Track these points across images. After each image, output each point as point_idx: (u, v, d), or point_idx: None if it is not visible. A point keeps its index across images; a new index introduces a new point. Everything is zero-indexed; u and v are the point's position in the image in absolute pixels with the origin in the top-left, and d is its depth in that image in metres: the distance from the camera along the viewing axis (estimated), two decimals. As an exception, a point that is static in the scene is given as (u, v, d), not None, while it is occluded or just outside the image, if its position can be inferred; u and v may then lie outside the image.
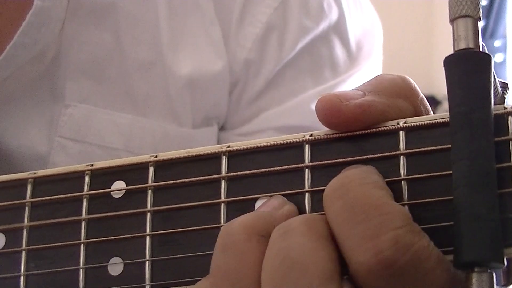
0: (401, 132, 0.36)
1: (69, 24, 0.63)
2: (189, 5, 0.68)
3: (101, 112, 0.65)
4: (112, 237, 0.40)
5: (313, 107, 0.59)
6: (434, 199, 0.34)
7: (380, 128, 0.36)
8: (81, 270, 0.40)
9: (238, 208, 0.38)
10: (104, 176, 0.41)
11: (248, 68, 0.69)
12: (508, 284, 0.36)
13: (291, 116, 0.69)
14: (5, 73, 0.60)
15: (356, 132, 0.36)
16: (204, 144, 0.67)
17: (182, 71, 0.66)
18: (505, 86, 0.36)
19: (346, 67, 0.73)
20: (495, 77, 0.35)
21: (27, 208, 0.42)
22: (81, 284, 0.40)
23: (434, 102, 3.15)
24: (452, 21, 0.34)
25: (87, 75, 0.64)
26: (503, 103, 0.37)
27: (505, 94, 0.36)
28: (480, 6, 0.33)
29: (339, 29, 0.72)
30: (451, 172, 0.33)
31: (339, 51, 0.72)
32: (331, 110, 0.36)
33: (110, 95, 0.65)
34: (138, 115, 0.66)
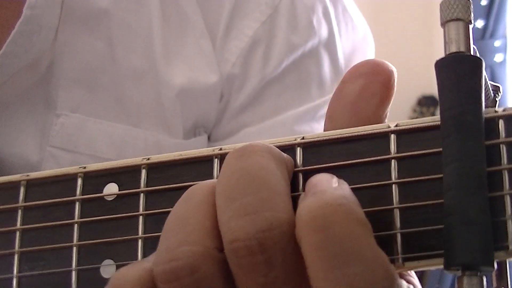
0: (392, 135, 0.35)
1: (62, 32, 0.63)
2: (180, 16, 0.67)
3: (93, 122, 0.64)
4: (104, 240, 0.40)
5: (296, 127, 0.59)
6: (425, 203, 0.34)
7: (372, 131, 0.36)
8: (73, 272, 0.40)
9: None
10: (96, 179, 0.41)
11: (231, 82, 0.68)
12: (500, 287, 0.36)
13: (272, 135, 0.68)
14: None
15: (347, 134, 0.36)
16: None
17: (174, 80, 0.66)
18: (496, 89, 0.36)
19: (334, 85, 0.71)
20: (487, 80, 0.35)
21: (19, 211, 0.42)
22: (73, 286, 0.40)
23: (434, 102, 3.15)
24: (443, 24, 0.34)
25: (79, 83, 0.64)
26: (495, 106, 0.37)
27: (496, 97, 0.36)
28: (472, 10, 0.33)
29: (328, 46, 0.71)
30: (442, 175, 0.33)
31: (327, 68, 0.71)
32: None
33: (102, 104, 0.65)
34: (130, 124, 0.65)
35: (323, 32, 0.70)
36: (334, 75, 0.72)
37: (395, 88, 0.37)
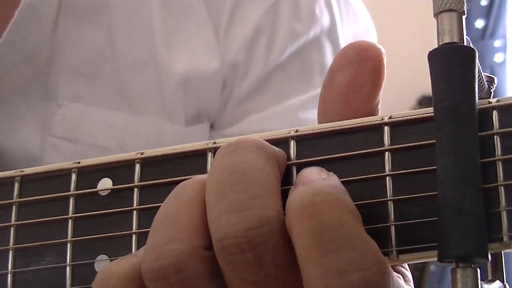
0: (386, 127, 0.35)
1: (62, 24, 0.63)
2: (182, 4, 0.67)
3: (94, 111, 0.65)
4: (98, 235, 0.40)
5: (300, 114, 0.59)
6: (419, 195, 0.34)
7: (365, 123, 0.36)
8: (68, 268, 0.40)
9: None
10: (90, 174, 0.41)
11: (235, 70, 0.68)
12: (495, 279, 0.36)
13: (276, 122, 0.69)
14: None
15: (341, 126, 0.36)
16: (197, 141, 0.67)
17: (176, 68, 0.66)
18: (491, 80, 0.36)
19: None
20: (481, 71, 0.34)
21: (14, 207, 0.42)
22: (68, 281, 0.40)
23: (434, 102, 3.13)
24: (436, 15, 0.34)
25: (80, 74, 0.64)
26: (490, 97, 0.36)
27: (491, 88, 0.36)
28: (465, 0, 0.33)
29: (331, 34, 0.72)
30: (436, 167, 0.33)
31: (329, 57, 0.71)
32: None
33: (103, 94, 0.65)
34: (132, 113, 0.66)
35: (325, 21, 0.71)
36: None
37: (385, 70, 0.37)
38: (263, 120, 0.69)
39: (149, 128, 0.66)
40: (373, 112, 0.37)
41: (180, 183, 0.36)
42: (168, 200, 0.36)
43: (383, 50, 0.37)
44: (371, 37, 0.77)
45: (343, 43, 0.72)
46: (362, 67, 0.36)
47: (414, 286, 0.39)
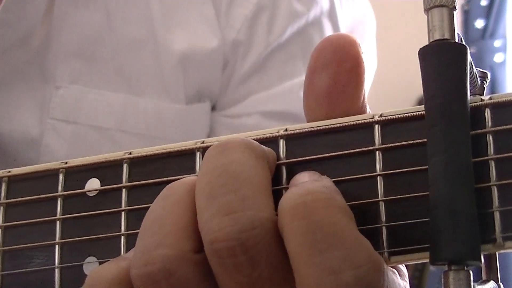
0: (376, 126, 0.35)
1: (58, 6, 0.63)
2: None
3: (93, 93, 0.65)
4: (86, 237, 0.39)
5: (302, 94, 0.57)
6: (410, 195, 0.33)
7: (355, 122, 0.35)
8: (56, 270, 0.40)
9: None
10: (78, 174, 0.41)
11: (236, 48, 0.69)
12: (489, 279, 0.36)
13: (279, 102, 0.69)
14: None
15: (331, 125, 0.36)
16: (198, 120, 0.67)
17: (175, 47, 0.66)
18: (484, 75, 0.35)
19: None
20: (473, 67, 0.34)
21: (2, 208, 0.42)
22: (56, 283, 0.40)
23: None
24: (426, 11, 0.33)
25: (78, 56, 0.64)
26: (483, 93, 0.36)
27: (484, 84, 0.35)
28: (456, -5, 0.33)
29: (331, 16, 0.72)
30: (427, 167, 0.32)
31: None
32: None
33: (101, 75, 0.65)
34: (131, 93, 0.66)
35: (325, 2, 0.71)
36: None
37: (364, 63, 0.35)
38: (266, 99, 0.69)
39: (149, 108, 0.66)
40: (360, 111, 0.36)
41: (168, 185, 0.35)
42: (156, 203, 0.35)
43: (358, 41, 0.35)
44: (370, 23, 0.77)
45: (342, 26, 0.73)
46: (340, 69, 0.35)
47: (414, 286, 0.39)
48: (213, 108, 0.71)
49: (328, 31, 0.72)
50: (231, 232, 0.31)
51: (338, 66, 0.35)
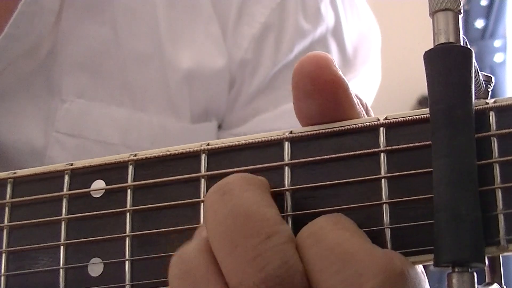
0: (381, 129, 0.35)
1: (65, 18, 0.63)
2: (188, 0, 0.67)
3: (98, 107, 0.65)
4: (91, 238, 0.39)
5: None
6: (415, 197, 0.34)
7: (360, 125, 0.35)
8: (61, 271, 0.40)
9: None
10: (83, 176, 0.41)
11: (244, 68, 0.68)
12: (493, 282, 0.36)
13: (286, 121, 0.68)
14: None
15: (336, 128, 0.36)
16: (204, 139, 0.67)
17: (181, 64, 0.66)
18: (488, 79, 0.36)
19: (343, 72, 0.72)
20: (478, 71, 0.34)
21: (7, 209, 0.42)
22: (61, 285, 0.40)
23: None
24: (432, 14, 0.33)
25: (84, 69, 0.64)
26: (487, 97, 0.36)
27: (488, 87, 0.36)
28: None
29: (336, 33, 0.71)
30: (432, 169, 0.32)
31: (335, 56, 0.71)
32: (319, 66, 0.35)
33: (107, 89, 0.65)
34: (136, 109, 0.66)
35: (330, 19, 0.71)
36: (342, 63, 0.72)
37: (342, 78, 0.36)
38: (273, 119, 0.69)
39: (154, 125, 0.66)
40: (359, 115, 0.36)
41: (175, 260, 0.35)
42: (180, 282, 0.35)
43: (330, 58, 0.35)
44: (375, 37, 0.77)
45: (348, 42, 0.72)
46: (323, 98, 0.35)
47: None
48: (220, 127, 0.70)
49: (333, 49, 0.71)
50: (268, 273, 0.32)
51: (320, 96, 0.35)
